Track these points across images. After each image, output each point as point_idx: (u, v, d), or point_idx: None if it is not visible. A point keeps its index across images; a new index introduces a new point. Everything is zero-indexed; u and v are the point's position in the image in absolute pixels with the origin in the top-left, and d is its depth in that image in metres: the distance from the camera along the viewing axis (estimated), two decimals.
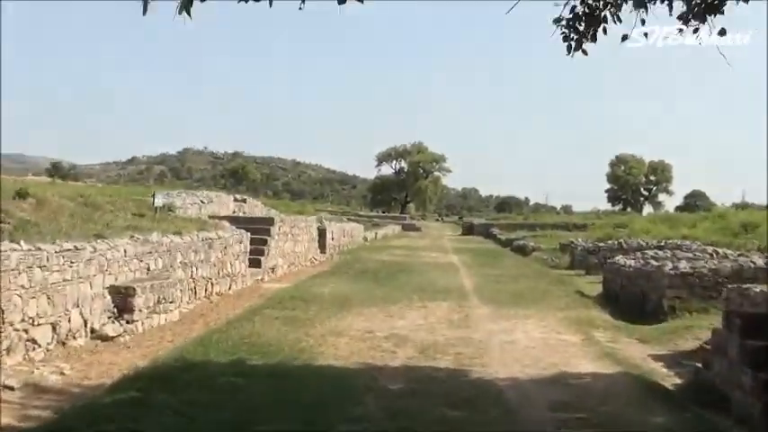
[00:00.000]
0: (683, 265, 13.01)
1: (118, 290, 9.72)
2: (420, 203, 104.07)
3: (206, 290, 13.54)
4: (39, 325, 7.89)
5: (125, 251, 10.17)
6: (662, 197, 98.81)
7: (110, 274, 9.68)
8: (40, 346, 7.91)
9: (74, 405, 6.21)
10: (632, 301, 13.89)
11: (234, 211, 21.49)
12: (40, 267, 7.91)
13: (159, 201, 15.34)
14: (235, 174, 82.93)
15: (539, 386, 7.66)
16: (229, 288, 14.86)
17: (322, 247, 25.56)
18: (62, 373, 7.40)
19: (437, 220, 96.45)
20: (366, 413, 6.32)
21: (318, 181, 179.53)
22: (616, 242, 24.19)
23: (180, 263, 12.28)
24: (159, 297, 10.46)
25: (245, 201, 22.91)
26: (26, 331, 7.68)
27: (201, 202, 18.71)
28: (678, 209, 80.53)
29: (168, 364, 7.63)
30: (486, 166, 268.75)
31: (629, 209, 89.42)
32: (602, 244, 24.45)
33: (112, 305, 9.62)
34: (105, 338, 9.05)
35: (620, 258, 16.54)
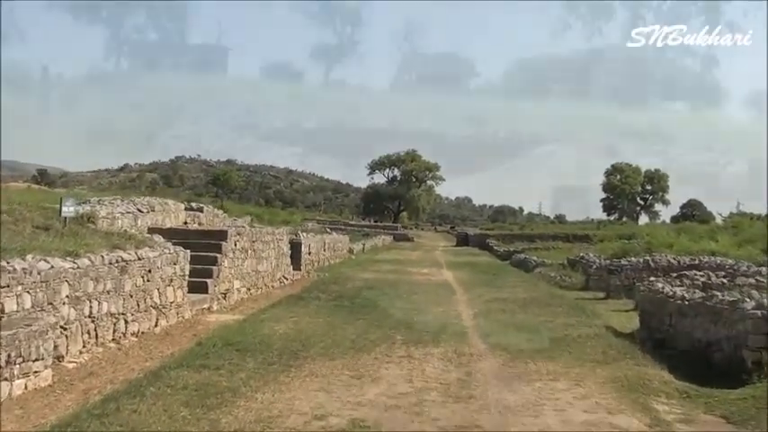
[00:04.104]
0: None
1: None
2: (413, 213, 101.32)
3: (115, 331, 10.09)
4: None
5: None
6: (658, 206, 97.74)
7: None
8: None
9: None
10: (690, 347, 10.25)
11: (185, 222, 18.00)
12: None
13: (69, 209, 11.87)
14: (216, 181, 79.00)
15: None
16: (156, 325, 11.41)
17: (296, 263, 22.20)
18: None
19: (423, 230, 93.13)
20: None
21: (311, 189, 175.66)
22: (641, 259, 20.69)
23: (67, 297, 8.84)
24: (9, 356, 7.01)
25: (201, 210, 19.36)
26: None
27: (139, 210, 15.19)
28: (676, 219, 78.33)
29: None
30: (480, 174, 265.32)
31: (624, 218, 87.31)
32: (624, 261, 20.84)
33: None
34: None
35: (660, 284, 12.70)
